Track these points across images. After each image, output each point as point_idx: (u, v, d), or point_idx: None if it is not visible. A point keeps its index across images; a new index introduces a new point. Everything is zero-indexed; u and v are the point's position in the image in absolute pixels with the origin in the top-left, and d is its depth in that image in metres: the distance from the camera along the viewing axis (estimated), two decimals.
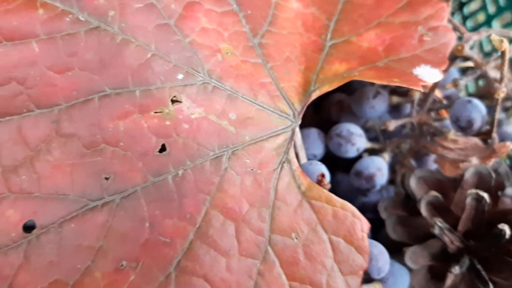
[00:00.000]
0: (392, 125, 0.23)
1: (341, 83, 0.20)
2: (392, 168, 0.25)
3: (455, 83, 0.22)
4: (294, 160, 0.19)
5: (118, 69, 0.18)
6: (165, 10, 0.19)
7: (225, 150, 0.19)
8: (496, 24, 0.36)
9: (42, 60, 0.18)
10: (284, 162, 0.19)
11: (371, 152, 0.25)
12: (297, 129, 0.21)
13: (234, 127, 0.19)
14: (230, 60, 0.20)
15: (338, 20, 0.23)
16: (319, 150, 0.24)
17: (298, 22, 0.23)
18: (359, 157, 0.24)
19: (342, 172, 0.25)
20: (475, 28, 0.38)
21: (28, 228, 0.18)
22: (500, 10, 0.36)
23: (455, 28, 0.23)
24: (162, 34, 0.19)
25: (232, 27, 0.21)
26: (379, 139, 0.25)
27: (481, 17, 0.38)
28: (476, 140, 0.23)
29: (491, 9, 0.36)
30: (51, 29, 0.18)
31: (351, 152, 0.23)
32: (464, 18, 0.40)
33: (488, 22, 0.37)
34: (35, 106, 0.18)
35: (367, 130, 0.25)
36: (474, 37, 0.23)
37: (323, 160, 0.24)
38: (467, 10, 0.40)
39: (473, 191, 0.21)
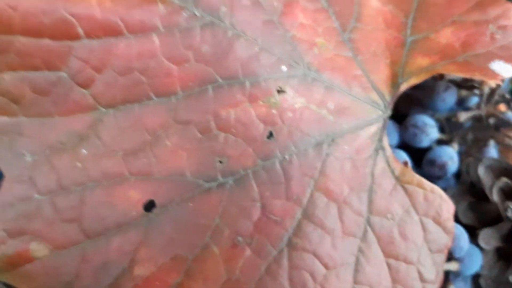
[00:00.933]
0: (463, 116, 0.25)
1: (428, 76, 0.22)
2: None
3: None
4: (388, 147, 0.21)
5: (230, 61, 0.20)
6: (269, 7, 0.21)
7: (325, 137, 0.20)
8: None
9: (162, 52, 0.20)
10: (378, 149, 0.21)
11: (440, 142, 0.27)
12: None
13: (332, 116, 0.21)
14: (325, 53, 0.22)
15: (415, 18, 0.25)
16: (394, 140, 0.25)
17: (380, 19, 0.24)
18: (429, 147, 0.26)
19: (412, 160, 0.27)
20: None
21: (148, 207, 0.19)
22: None
23: None
24: (267, 29, 0.21)
25: (324, 22, 0.22)
26: (446, 130, 0.27)
27: None
28: None
29: None
30: (170, 23, 0.20)
31: (425, 142, 0.25)
32: None
33: None
34: (154, 94, 0.20)
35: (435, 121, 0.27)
36: None
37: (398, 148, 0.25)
38: None
39: None
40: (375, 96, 0.22)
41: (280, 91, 0.20)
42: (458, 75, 0.22)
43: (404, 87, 0.22)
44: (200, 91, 0.20)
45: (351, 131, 0.21)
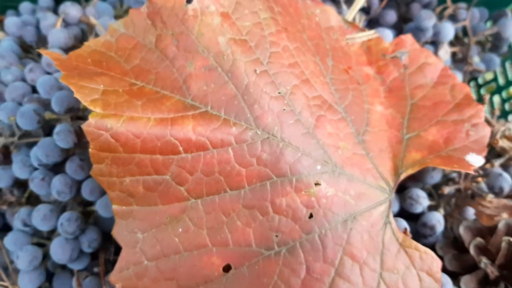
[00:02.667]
0: (446, 190, 0.34)
1: (420, 168, 0.31)
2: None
3: (491, 164, 0.33)
4: (393, 221, 0.30)
5: (282, 164, 0.29)
6: (306, 123, 0.30)
7: (349, 216, 0.29)
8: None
9: (235, 160, 0.28)
10: (387, 223, 0.30)
11: (430, 207, 0.35)
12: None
13: (353, 200, 0.29)
14: (346, 153, 0.30)
15: (409, 119, 0.33)
16: (396, 207, 0.34)
17: (383, 121, 0.33)
18: (422, 212, 0.34)
19: (409, 221, 0.35)
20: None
21: (226, 269, 0.28)
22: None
23: (488, 122, 0.34)
24: (305, 139, 0.29)
25: (344, 129, 0.31)
26: (434, 197, 0.35)
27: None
28: (506, 201, 0.33)
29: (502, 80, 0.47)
30: (240, 140, 0.28)
31: (419, 209, 0.34)
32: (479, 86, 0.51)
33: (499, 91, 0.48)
34: (228, 189, 0.28)
35: (425, 190, 0.35)
36: (502, 128, 0.34)
37: (398, 214, 0.34)
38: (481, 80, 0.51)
39: (506, 238, 0.32)
40: (383, 184, 0.30)
41: (316, 184, 0.29)
42: (442, 168, 0.31)
43: (403, 176, 0.31)
44: (261, 186, 0.28)
45: (367, 210, 0.29)
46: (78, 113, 0.33)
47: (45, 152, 0.31)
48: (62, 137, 0.31)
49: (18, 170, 0.33)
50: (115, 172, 0.27)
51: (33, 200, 0.39)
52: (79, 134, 0.31)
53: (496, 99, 0.51)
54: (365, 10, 0.48)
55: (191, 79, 0.28)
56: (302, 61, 0.31)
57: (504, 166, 0.36)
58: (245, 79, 0.29)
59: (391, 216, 0.29)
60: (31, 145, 0.37)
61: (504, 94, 0.50)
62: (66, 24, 0.41)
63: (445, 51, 0.44)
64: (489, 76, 0.51)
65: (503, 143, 0.34)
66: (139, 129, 0.27)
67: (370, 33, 0.37)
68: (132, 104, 0.27)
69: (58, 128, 0.31)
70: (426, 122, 0.33)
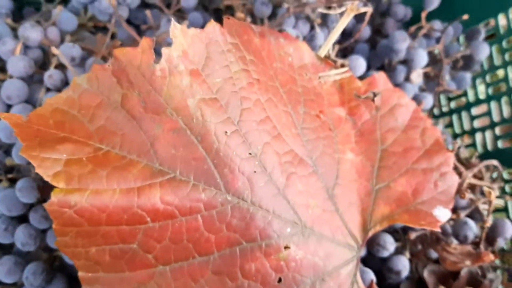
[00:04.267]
0: (413, 235, 0.35)
1: (388, 225, 0.31)
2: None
3: (457, 214, 0.34)
4: (360, 280, 0.30)
5: (252, 229, 0.28)
6: (277, 184, 0.29)
7: (317, 278, 0.29)
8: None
9: (204, 227, 0.28)
10: (354, 282, 0.30)
11: (396, 249, 0.36)
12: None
13: (322, 261, 0.30)
14: (316, 211, 0.30)
15: (379, 167, 0.33)
16: (363, 253, 0.35)
17: (353, 170, 0.33)
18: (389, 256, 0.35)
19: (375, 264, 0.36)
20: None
21: None
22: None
23: (456, 168, 0.34)
24: (276, 200, 0.29)
25: (314, 184, 0.31)
26: (402, 239, 0.36)
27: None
28: (469, 248, 0.34)
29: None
30: (209, 207, 0.28)
31: (385, 255, 0.34)
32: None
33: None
34: (197, 255, 0.28)
35: (392, 233, 0.36)
36: (470, 175, 0.34)
37: (365, 258, 0.35)
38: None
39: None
40: (351, 241, 0.31)
41: (286, 247, 0.29)
42: (409, 225, 0.31)
43: (371, 233, 0.31)
44: (230, 251, 0.28)
45: (335, 271, 0.30)
46: None
47: (7, 207, 0.30)
48: (25, 193, 0.29)
49: None
50: (80, 243, 0.26)
51: None
52: (43, 189, 0.30)
53: (465, 114, 0.51)
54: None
55: (159, 142, 0.28)
56: (274, 114, 0.31)
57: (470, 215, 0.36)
58: (215, 142, 0.28)
59: (358, 275, 0.30)
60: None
61: (473, 110, 0.51)
62: (26, 47, 0.39)
63: (418, 74, 0.44)
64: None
65: (470, 194, 0.34)
66: (104, 203, 0.26)
67: (343, 71, 0.36)
68: (97, 175, 0.26)
69: (20, 184, 0.30)
70: (396, 171, 0.33)
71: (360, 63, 0.40)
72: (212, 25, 0.29)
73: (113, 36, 0.46)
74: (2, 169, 0.32)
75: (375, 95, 0.35)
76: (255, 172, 0.28)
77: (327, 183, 0.31)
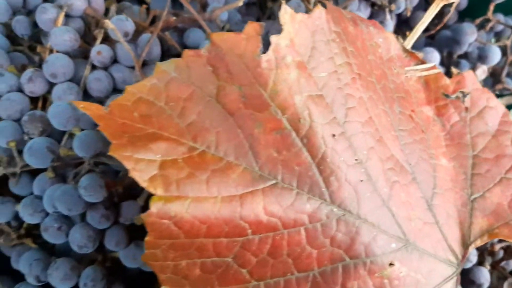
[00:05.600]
0: (498, 247, 0.32)
1: (489, 240, 0.29)
2: None
3: None
4: None
5: (357, 245, 0.25)
6: (381, 194, 0.26)
7: None
8: None
9: (306, 241, 0.25)
10: None
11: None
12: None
13: (425, 279, 0.27)
14: (417, 224, 0.28)
15: (473, 175, 0.31)
16: None
17: (448, 178, 0.30)
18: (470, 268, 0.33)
19: None
20: None
21: None
22: None
23: None
24: (381, 213, 0.26)
25: (414, 194, 0.28)
26: (480, 249, 0.34)
27: None
28: None
29: None
30: (314, 219, 0.25)
31: (468, 266, 0.32)
32: None
33: None
34: (296, 271, 0.25)
35: None
36: None
37: None
38: None
39: None
40: (451, 257, 0.28)
41: (391, 264, 0.26)
42: (509, 240, 0.29)
43: (471, 248, 0.29)
44: (332, 268, 0.25)
45: None
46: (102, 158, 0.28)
47: (67, 206, 0.26)
48: (91, 192, 0.25)
49: (27, 216, 0.28)
50: (171, 257, 0.23)
51: (35, 230, 0.34)
52: (107, 185, 0.26)
53: None
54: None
55: (259, 143, 0.24)
56: (376, 114, 0.27)
57: None
58: (322, 146, 0.24)
59: None
60: (34, 174, 0.31)
61: None
62: (67, 16, 0.34)
63: (483, 71, 0.41)
64: None
65: None
66: (206, 213, 0.22)
67: (430, 66, 0.33)
68: (196, 180, 0.22)
69: (85, 181, 0.25)
70: (490, 180, 0.31)
71: (435, 56, 0.37)
72: (319, 10, 0.25)
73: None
74: (54, 160, 0.27)
75: (464, 95, 0.32)
76: (361, 181, 0.25)
77: (425, 193, 0.28)
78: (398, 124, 0.29)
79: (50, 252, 0.32)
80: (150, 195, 0.30)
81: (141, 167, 0.21)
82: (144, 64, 0.34)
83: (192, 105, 0.24)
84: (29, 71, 0.31)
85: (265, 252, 0.24)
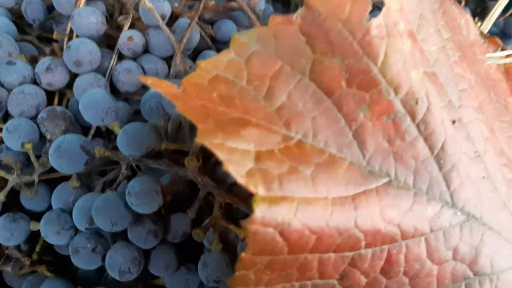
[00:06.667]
0: None
1: None
2: None
3: None
4: None
5: (482, 257, 0.20)
6: (501, 193, 0.21)
7: None
8: None
9: (427, 254, 0.19)
10: None
11: None
12: None
13: None
14: None
15: None
16: None
17: None
18: None
19: None
20: None
21: None
22: None
23: None
24: (503, 217, 0.21)
25: None
26: None
27: None
28: None
29: None
30: (436, 226, 0.20)
31: None
32: None
33: None
34: None
35: None
36: None
37: None
38: None
39: None
40: None
41: None
42: None
43: None
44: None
45: None
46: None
47: (110, 219, 0.20)
48: (144, 200, 0.20)
49: (52, 235, 0.22)
50: (265, 280, 0.17)
51: (47, 255, 0.27)
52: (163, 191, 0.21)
53: None
54: None
55: (365, 131, 0.19)
56: (484, 101, 0.23)
57: None
58: (442, 134, 0.20)
59: None
60: (53, 183, 0.25)
61: None
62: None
63: None
64: None
65: None
66: (317, 219, 0.17)
67: (509, 53, 0.29)
68: (300, 176, 0.17)
69: (137, 186, 0.20)
70: None
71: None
72: None
73: None
74: (88, 162, 0.21)
75: None
76: (483, 178, 0.20)
77: None
78: (499, 113, 0.24)
79: (73, 282, 0.25)
80: (200, 207, 0.24)
81: (236, 159, 0.16)
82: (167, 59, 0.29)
83: (281, 85, 0.19)
84: (46, 59, 0.26)
85: (377, 270, 0.19)
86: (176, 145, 0.22)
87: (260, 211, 0.16)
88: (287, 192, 0.17)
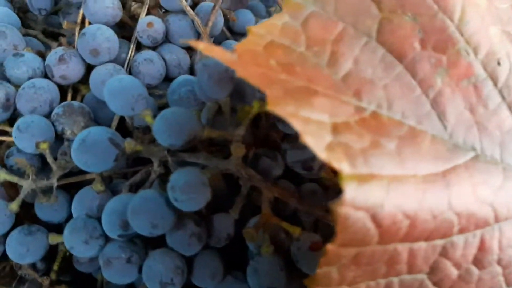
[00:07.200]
0: None
1: None
2: None
3: None
4: None
5: None
6: None
7: None
8: None
9: None
10: None
11: None
12: None
13: None
14: None
15: None
16: None
17: None
18: None
19: None
20: None
21: None
22: None
23: None
24: None
25: None
26: None
27: None
28: None
29: None
30: None
31: None
32: None
33: None
34: (505, 285, 0.17)
35: None
36: None
37: None
38: None
39: None
40: None
41: None
42: None
43: None
44: None
45: None
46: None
47: (152, 221, 0.17)
48: (191, 194, 0.17)
49: (79, 245, 0.19)
50: (348, 279, 0.15)
51: (66, 272, 0.24)
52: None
53: None
54: None
55: (444, 99, 0.16)
56: None
57: None
58: None
59: None
60: (73, 188, 0.22)
61: None
62: None
63: None
64: None
65: None
66: (411, 201, 0.14)
67: None
68: (385, 151, 0.14)
69: (181, 178, 0.17)
70: None
71: None
72: None
73: None
74: (118, 158, 0.18)
75: None
76: None
77: None
78: None
79: None
80: (244, 206, 0.22)
81: (312, 130, 0.13)
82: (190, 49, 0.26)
83: (345, 49, 0.16)
84: (58, 49, 0.23)
85: (470, 260, 0.16)
86: (219, 133, 0.19)
87: (350, 190, 0.13)
88: (374, 169, 0.14)
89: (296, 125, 0.13)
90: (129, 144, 0.19)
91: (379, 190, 0.14)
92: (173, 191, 0.17)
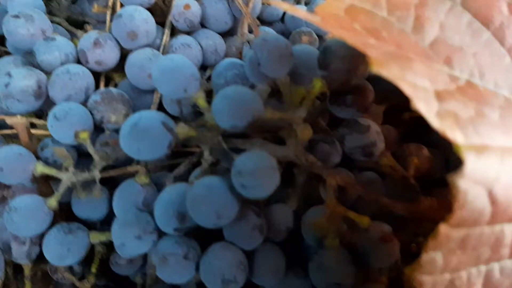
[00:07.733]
0: None
1: None
2: None
3: None
4: None
5: None
6: None
7: None
8: None
9: None
10: None
11: None
12: None
13: None
14: None
15: None
16: None
17: None
18: None
19: None
20: None
21: None
22: None
23: None
24: None
25: None
26: None
27: None
28: None
29: None
30: None
31: None
32: None
33: None
34: None
35: None
36: None
37: None
38: None
39: None
40: None
41: None
42: None
43: None
44: None
45: None
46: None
47: (217, 210, 0.15)
48: (261, 181, 0.15)
49: (131, 242, 0.17)
50: (452, 265, 0.13)
51: (105, 275, 0.22)
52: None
53: None
54: None
55: None
56: None
57: None
58: None
59: None
60: (114, 182, 0.20)
61: None
62: None
63: None
64: None
65: None
66: None
67: None
68: (491, 121, 0.13)
69: (249, 162, 0.15)
70: None
71: None
72: None
73: None
74: (171, 145, 0.17)
75: None
76: None
77: None
78: None
79: None
80: (300, 197, 0.20)
81: (421, 96, 0.12)
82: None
83: (429, 14, 0.15)
84: (92, 33, 0.21)
85: None
86: (281, 114, 0.17)
87: (470, 162, 0.11)
88: (486, 139, 0.12)
89: (406, 87, 0.11)
90: (182, 129, 0.17)
91: (494, 162, 0.12)
92: (241, 177, 0.15)
